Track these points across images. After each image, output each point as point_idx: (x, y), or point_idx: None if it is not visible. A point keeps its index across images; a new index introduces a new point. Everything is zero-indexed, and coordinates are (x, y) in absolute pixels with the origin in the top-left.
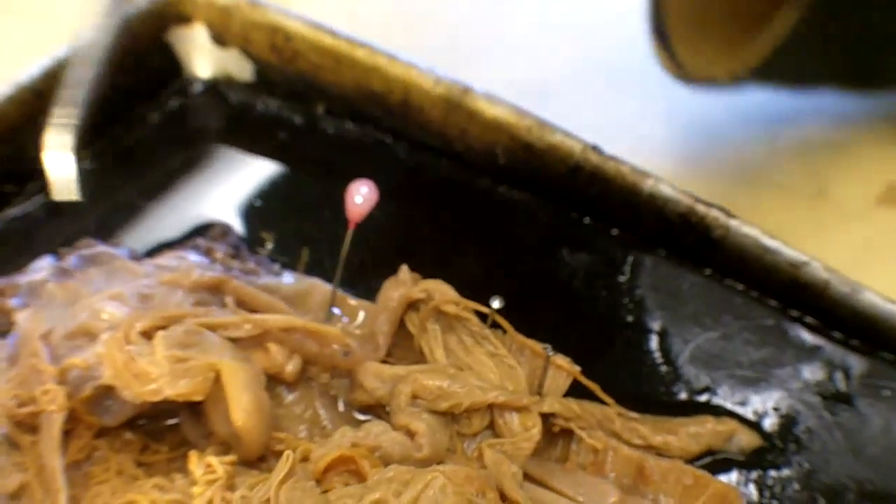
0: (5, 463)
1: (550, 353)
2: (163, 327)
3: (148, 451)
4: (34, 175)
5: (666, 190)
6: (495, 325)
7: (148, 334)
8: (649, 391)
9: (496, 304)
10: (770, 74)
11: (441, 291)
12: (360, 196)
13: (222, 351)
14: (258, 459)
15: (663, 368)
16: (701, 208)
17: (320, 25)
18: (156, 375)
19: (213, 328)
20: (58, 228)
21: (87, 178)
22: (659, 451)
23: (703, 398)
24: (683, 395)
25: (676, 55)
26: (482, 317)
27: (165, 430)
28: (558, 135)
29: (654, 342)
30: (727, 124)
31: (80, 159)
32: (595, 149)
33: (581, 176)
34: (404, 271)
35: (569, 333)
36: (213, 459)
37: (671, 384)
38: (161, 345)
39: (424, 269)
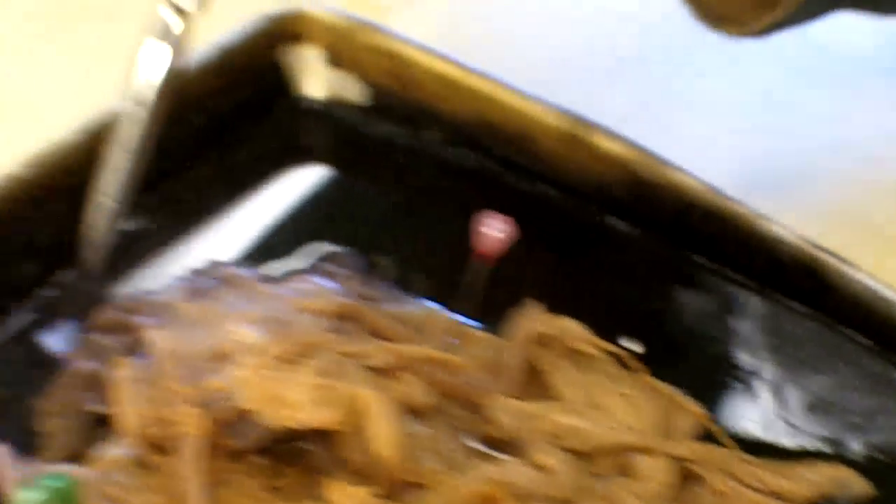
0: (136, 484)
1: (680, 397)
2: (303, 354)
3: (278, 475)
4: (148, 187)
5: (782, 233)
6: (623, 365)
7: (288, 360)
8: (761, 435)
9: (637, 348)
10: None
11: (573, 329)
12: (496, 230)
13: (362, 380)
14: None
15: (775, 413)
16: (816, 253)
17: (439, 53)
18: (297, 402)
19: (352, 357)
20: (164, 244)
21: (192, 194)
22: (777, 496)
23: (816, 445)
24: (796, 441)
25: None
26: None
27: (293, 454)
28: (676, 172)
29: (766, 386)
30: (820, 158)
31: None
32: (713, 188)
33: (695, 214)
34: (535, 307)
35: (681, 374)
36: (355, 491)
37: (783, 429)
38: (305, 372)
39: (542, 304)
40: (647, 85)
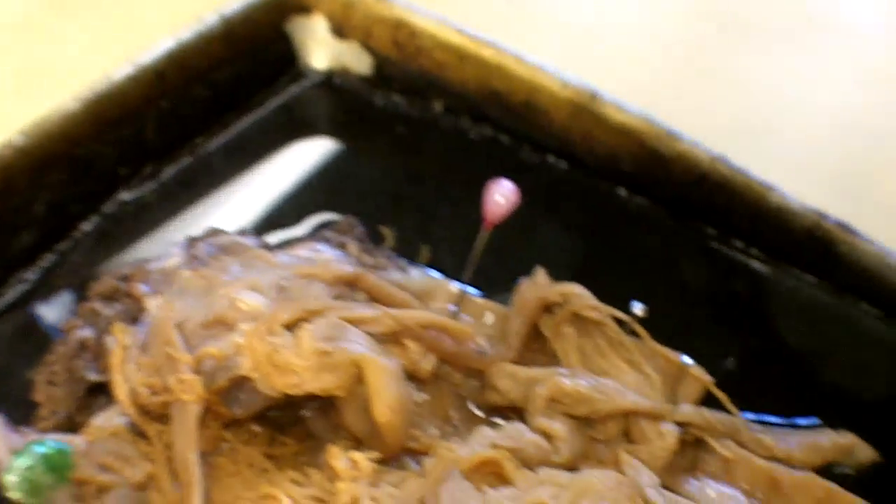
0: (131, 452)
1: (686, 363)
2: (305, 320)
3: (275, 443)
4: (149, 158)
5: (792, 203)
6: (629, 332)
7: (290, 326)
8: (771, 403)
9: (639, 310)
10: None
11: (579, 296)
12: (502, 196)
13: (364, 346)
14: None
15: (785, 381)
16: (826, 223)
17: (446, 22)
18: (299, 368)
19: (354, 323)
20: (170, 214)
21: (200, 164)
22: (782, 463)
23: (825, 413)
24: (804, 409)
25: None
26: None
27: (292, 422)
28: (686, 144)
29: (776, 355)
30: (828, 135)
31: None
32: (722, 159)
33: (706, 186)
34: (541, 275)
35: (689, 342)
36: (357, 455)
37: (793, 398)
38: (306, 337)
39: (548, 274)
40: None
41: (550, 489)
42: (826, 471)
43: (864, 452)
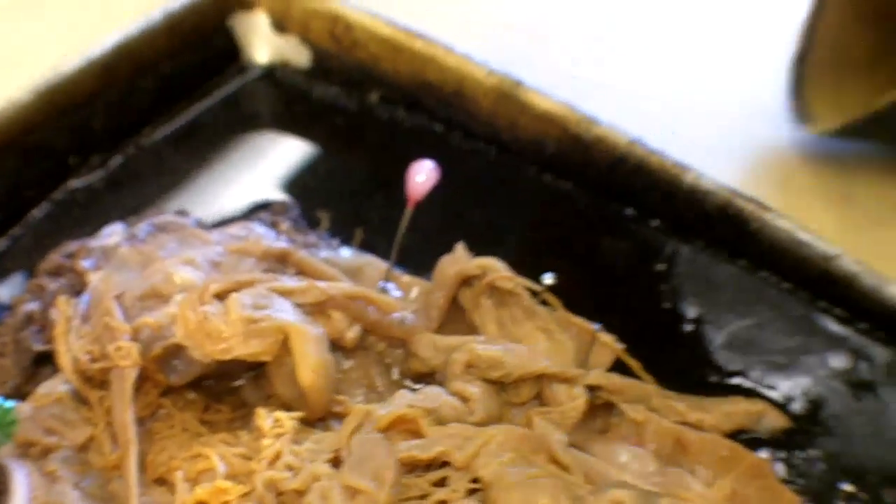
0: (74, 417)
1: (597, 330)
2: (235, 291)
3: (210, 410)
4: (98, 147)
5: (706, 183)
6: (544, 303)
7: (221, 297)
8: (685, 373)
9: (548, 279)
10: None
11: (495, 268)
12: (423, 174)
13: (291, 315)
14: (318, 419)
15: (698, 352)
16: (739, 201)
17: (380, 16)
18: (228, 335)
19: (282, 294)
20: (118, 201)
21: (147, 154)
22: (694, 428)
23: (735, 381)
24: (716, 378)
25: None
26: (532, 294)
27: (227, 391)
28: (604, 128)
29: (690, 327)
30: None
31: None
32: (639, 142)
33: (625, 167)
34: (460, 249)
35: (609, 317)
36: (281, 414)
37: (705, 367)
38: (234, 306)
39: (473, 252)
40: None
41: (456, 440)
42: (737, 437)
43: (775, 419)
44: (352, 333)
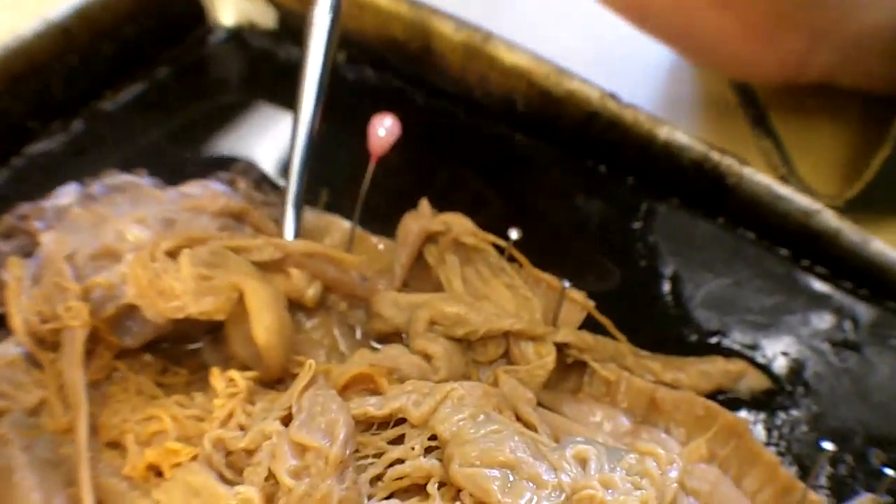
0: (25, 380)
1: (566, 287)
2: (188, 247)
3: (167, 373)
4: (58, 113)
5: (681, 138)
6: (511, 260)
7: (173, 254)
8: (661, 332)
9: (514, 235)
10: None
11: (460, 224)
12: (384, 128)
13: (246, 272)
14: (277, 381)
15: (675, 311)
16: (715, 156)
17: None
18: (180, 293)
19: (237, 250)
20: (79, 167)
21: (109, 119)
22: (669, 387)
23: (714, 341)
24: (694, 338)
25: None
26: (499, 252)
27: (185, 354)
28: (576, 82)
29: (666, 286)
30: None
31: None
32: (612, 96)
33: (598, 123)
34: (424, 205)
35: (583, 277)
36: (234, 374)
37: (683, 326)
38: (186, 262)
39: (439, 210)
40: None
41: (414, 396)
42: (715, 398)
43: (755, 379)
44: (312, 292)
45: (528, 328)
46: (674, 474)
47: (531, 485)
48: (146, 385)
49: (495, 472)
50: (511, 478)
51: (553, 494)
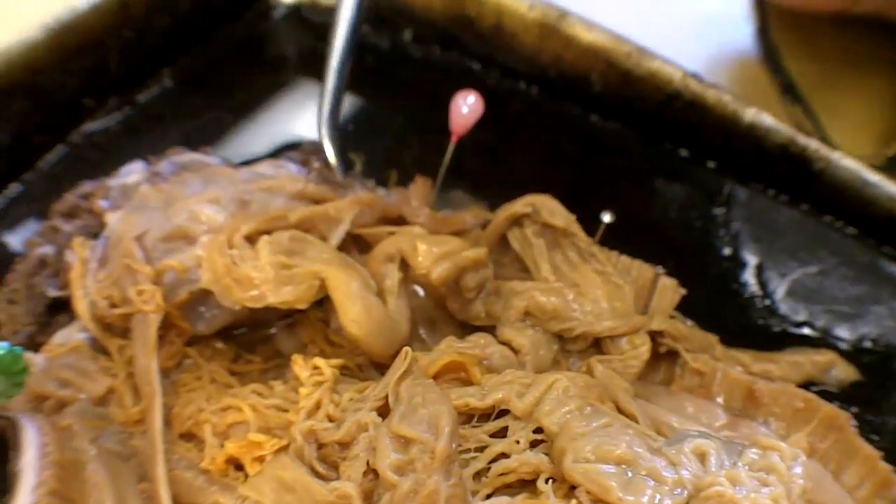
0: (91, 368)
1: (660, 273)
2: (267, 231)
3: (240, 360)
4: (115, 90)
5: (767, 120)
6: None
7: (251, 239)
8: (746, 323)
9: (606, 218)
10: None
11: (548, 205)
12: (466, 106)
13: (327, 259)
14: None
15: (760, 301)
16: (802, 140)
17: None
18: (259, 281)
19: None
20: (137, 145)
21: (166, 97)
22: (760, 378)
23: (801, 331)
24: (780, 328)
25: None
26: None
27: (258, 340)
28: (658, 62)
29: (750, 275)
30: None
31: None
32: (695, 76)
33: (678, 104)
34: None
35: (663, 263)
36: (320, 361)
37: (768, 317)
38: (265, 250)
39: (516, 194)
40: None
41: (516, 387)
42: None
43: (844, 370)
44: (439, 270)
45: (626, 327)
46: (798, 470)
47: (650, 481)
48: (219, 373)
49: (611, 469)
50: (628, 474)
51: (675, 491)
